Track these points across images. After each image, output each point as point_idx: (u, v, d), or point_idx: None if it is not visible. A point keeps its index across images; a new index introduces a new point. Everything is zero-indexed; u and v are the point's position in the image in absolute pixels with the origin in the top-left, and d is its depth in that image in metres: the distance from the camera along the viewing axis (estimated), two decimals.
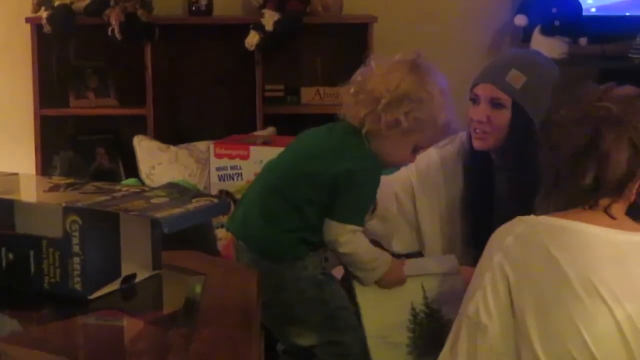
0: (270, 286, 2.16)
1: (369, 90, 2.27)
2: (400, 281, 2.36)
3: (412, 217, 2.76)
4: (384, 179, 2.56)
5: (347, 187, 2.24)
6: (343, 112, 2.34)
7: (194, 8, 4.52)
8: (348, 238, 2.25)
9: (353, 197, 2.26)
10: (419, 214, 2.75)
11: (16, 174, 1.74)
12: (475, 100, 2.59)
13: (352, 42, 4.56)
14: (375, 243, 2.46)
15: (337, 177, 2.24)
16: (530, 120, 2.47)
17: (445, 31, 4.68)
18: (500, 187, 2.60)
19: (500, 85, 2.53)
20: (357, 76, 2.34)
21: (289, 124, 4.32)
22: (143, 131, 4.41)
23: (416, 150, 2.34)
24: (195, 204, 1.51)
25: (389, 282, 2.34)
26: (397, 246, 2.76)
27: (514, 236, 1.82)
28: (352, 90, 2.31)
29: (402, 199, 2.74)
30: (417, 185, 2.75)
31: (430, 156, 2.73)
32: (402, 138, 2.27)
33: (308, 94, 4.54)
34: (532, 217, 1.85)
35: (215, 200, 1.57)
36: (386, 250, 2.51)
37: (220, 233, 3.48)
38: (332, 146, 2.32)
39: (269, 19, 4.31)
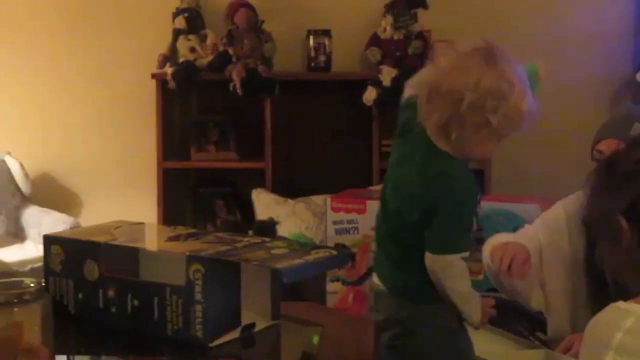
0: (405, 331, 2.15)
1: (445, 91, 2.11)
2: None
3: (538, 274, 2.72)
4: (513, 236, 2.53)
5: (443, 214, 2.14)
6: (421, 118, 2.18)
7: (312, 64, 4.60)
8: (451, 268, 2.15)
9: (452, 223, 2.16)
10: (544, 271, 2.70)
11: (142, 223, 1.79)
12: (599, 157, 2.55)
13: None
14: None
15: (432, 205, 2.14)
16: None
17: (565, 87, 4.63)
18: None
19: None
20: (426, 76, 2.20)
21: None
22: (261, 184, 4.49)
23: (500, 140, 2.19)
24: (314, 255, 1.52)
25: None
26: (535, 303, 2.72)
27: (624, 332, 1.58)
28: (425, 92, 2.16)
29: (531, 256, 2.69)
30: (544, 242, 2.69)
31: (557, 211, 2.67)
32: (489, 135, 2.14)
33: None
34: (634, 306, 1.61)
35: (334, 253, 1.58)
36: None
37: (335, 286, 3.49)
38: (430, 180, 2.18)
39: (387, 75, 4.35)
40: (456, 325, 2.26)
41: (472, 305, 2.22)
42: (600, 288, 2.53)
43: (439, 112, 2.12)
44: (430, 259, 2.16)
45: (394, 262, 2.27)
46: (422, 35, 4.51)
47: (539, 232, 2.68)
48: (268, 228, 4.07)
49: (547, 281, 2.70)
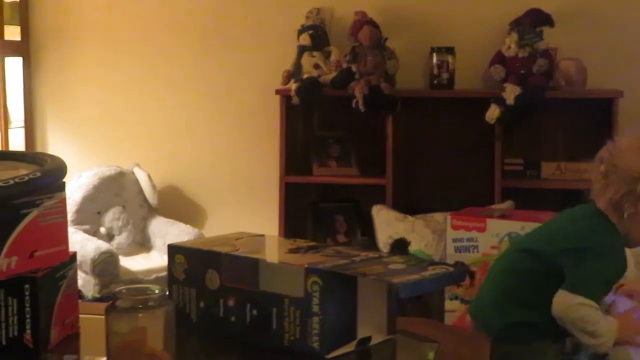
0: None
1: (623, 169, 2.20)
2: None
3: None
4: None
5: (583, 258, 2.20)
6: (593, 194, 2.29)
7: (435, 82, 4.59)
8: (574, 309, 2.19)
9: (588, 268, 2.21)
10: None
11: (262, 235, 1.83)
12: None
13: (595, 117, 4.47)
14: None
15: (576, 247, 2.21)
16: None
17: None
18: None
19: None
20: (604, 153, 2.28)
21: (528, 198, 4.27)
22: (382, 200, 4.50)
23: None
24: (431, 271, 1.52)
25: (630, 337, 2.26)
26: None
27: None
28: (602, 169, 2.26)
29: None
30: None
31: None
32: None
33: (548, 169, 4.47)
34: None
35: (451, 269, 1.58)
36: None
37: (454, 305, 3.47)
38: (579, 228, 2.29)
39: (511, 93, 4.30)
40: None
41: (603, 336, 2.21)
42: None
43: (614, 188, 2.22)
44: (557, 295, 2.21)
45: (506, 298, 2.26)
46: (547, 53, 4.45)
47: None
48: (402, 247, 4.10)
49: None
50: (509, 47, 4.48)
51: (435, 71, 4.59)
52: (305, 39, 4.64)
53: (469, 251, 3.50)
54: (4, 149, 4.86)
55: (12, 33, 5.13)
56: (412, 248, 4.11)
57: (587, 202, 2.32)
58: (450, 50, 4.59)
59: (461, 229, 3.54)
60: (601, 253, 2.23)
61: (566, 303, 2.20)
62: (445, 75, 4.58)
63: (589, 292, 2.21)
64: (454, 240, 3.56)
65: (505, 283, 2.30)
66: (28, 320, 1.50)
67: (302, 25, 4.69)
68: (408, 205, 4.52)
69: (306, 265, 1.52)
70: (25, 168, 1.58)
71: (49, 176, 1.53)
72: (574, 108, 4.57)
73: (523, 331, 2.26)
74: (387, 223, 4.35)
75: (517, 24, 4.47)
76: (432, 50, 4.61)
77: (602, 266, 2.23)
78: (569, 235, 2.27)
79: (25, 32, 5.17)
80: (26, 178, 1.49)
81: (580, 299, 2.18)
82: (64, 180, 1.58)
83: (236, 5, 4.94)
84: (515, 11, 4.49)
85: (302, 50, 4.65)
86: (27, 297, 1.50)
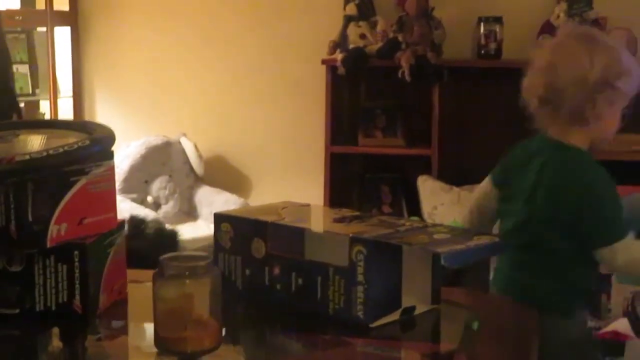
0: None
1: (565, 83, 2.17)
2: None
3: None
4: None
5: (592, 207, 2.16)
6: (539, 123, 2.32)
7: (482, 51, 4.56)
8: (624, 255, 2.13)
9: (603, 212, 2.16)
10: None
11: (308, 205, 1.84)
12: None
13: None
14: None
15: (579, 201, 2.17)
16: None
17: None
18: None
19: None
20: (533, 80, 2.29)
21: None
22: (427, 171, 4.49)
23: (624, 108, 2.25)
24: (476, 241, 1.52)
25: None
26: None
27: None
28: (540, 93, 2.26)
29: None
30: None
31: None
32: (620, 104, 2.20)
33: None
34: None
35: (497, 239, 1.58)
36: None
37: None
38: (560, 176, 2.24)
39: None
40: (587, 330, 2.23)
41: None
42: None
43: (567, 105, 2.18)
44: (605, 254, 2.15)
45: (523, 271, 2.24)
46: (597, 23, 4.38)
47: None
48: None
49: None
50: (558, 17, 4.42)
51: (483, 41, 4.55)
52: (351, 9, 4.62)
53: None
54: (53, 118, 4.92)
55: (61, 3, 5.17)
56: (457, 218, 4.09)
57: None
58: (498, 20, 4.54)
59: None
60: (607, 181, 2.20)
61: (615, 258, 2.14)
62: (492, 45, 4.54)
63: (621, 229, 2.15)
64: None
65: (519, 256, 2.26)
66: (77, 286, 1.53)
67: None
68: (454, 176, 4.50)
69: (351, 235, 1.53)
70: (74, 136, 1.60)
71: (98, 144, 1.55)
72: None
73: (561, 300, 2.22)
74: (432, 193, 4.35)
75: None
76: (480, 19, 4.57)
77: (614, 194, 2.19)
78: (571, 178, 2.23)
79: (73, 2, 5.20)
80: (75, 146, 1.51)
81: (622, 244, 2.12)
82: (112, 149, 1.60)
83: None
84: None
85: (348, 20, 4.63)
86: (76, 264, 1.53)
